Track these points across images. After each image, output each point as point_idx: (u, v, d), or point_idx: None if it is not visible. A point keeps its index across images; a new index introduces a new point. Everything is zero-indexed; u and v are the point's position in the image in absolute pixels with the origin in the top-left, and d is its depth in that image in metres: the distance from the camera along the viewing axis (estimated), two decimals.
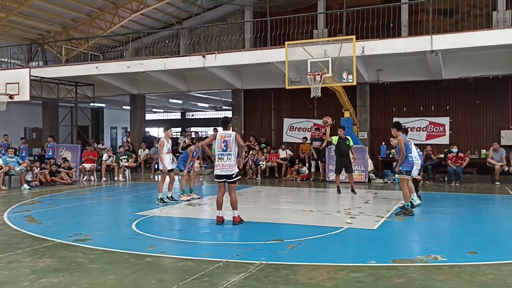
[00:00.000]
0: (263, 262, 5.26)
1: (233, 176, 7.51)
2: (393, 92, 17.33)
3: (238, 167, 7.68)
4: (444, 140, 16.57)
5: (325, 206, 10.23)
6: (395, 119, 17.17)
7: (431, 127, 16.91)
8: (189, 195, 10.67)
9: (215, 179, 7.76)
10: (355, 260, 5.41)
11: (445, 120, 16.77)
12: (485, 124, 16.44)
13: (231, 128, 7.83)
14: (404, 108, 17.33)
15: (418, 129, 17.01)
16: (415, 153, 9.19)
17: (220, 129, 7.87)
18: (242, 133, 18.73)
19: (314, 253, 5.81)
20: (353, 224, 7.62)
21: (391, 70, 16.07)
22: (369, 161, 14.78)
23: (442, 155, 15.11)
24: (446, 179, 14.60)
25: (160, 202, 9.92)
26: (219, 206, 7.63)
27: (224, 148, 7.48)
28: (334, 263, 5.31)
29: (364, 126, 16.93)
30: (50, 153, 17.01)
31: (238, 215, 7.62)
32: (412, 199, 9.35)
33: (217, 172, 7.57)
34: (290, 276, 4.80)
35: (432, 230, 7.55)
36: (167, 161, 10.08)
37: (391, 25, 16.23)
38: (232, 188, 7.61)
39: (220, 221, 7.55)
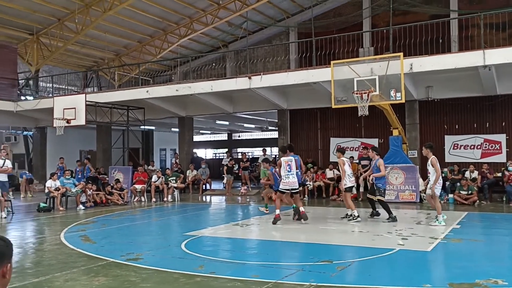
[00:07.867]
0: (312, 283, 5.17)
1: (296, 189, 10.07)
2: (444, 109, 16.81)
3: None
4: (501, 158, 15.77)
5: (375, 227, 9.95)
6: (447, 137, 16.71)
7: (486, 144, 16.19)
8: (263, 208, 12.37)
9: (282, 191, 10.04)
10: (409, 283, 5.21)
11: (502, 137, 16.01)
12: None
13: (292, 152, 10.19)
14: (457, 126, 16.75)
15: (472, 147, 16.35)
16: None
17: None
18: None
19: (365, 275, 5.66)
20: (406, 245, 7.38)
21: (441, 86, 15.59)
22: (420, 181, 14.31)
23: (499, 174, 14.42)
24: (504, 199, 13.87)
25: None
26: (279, 207, 9.98)
27: (289, 170, 9.89)
28: (386, 285, 5.15)
29: (414, 145, 16.45)
30: (79, 176, 17.47)
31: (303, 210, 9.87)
32: (441, 219, 9.17)
33: (284, 187, 9.95)
34: None
35: (491, 253, 7.16)
36: None
37: (440, 40, 15.89)
38: (297, 198, 10.28)
39: (278, 217, 9.76)
